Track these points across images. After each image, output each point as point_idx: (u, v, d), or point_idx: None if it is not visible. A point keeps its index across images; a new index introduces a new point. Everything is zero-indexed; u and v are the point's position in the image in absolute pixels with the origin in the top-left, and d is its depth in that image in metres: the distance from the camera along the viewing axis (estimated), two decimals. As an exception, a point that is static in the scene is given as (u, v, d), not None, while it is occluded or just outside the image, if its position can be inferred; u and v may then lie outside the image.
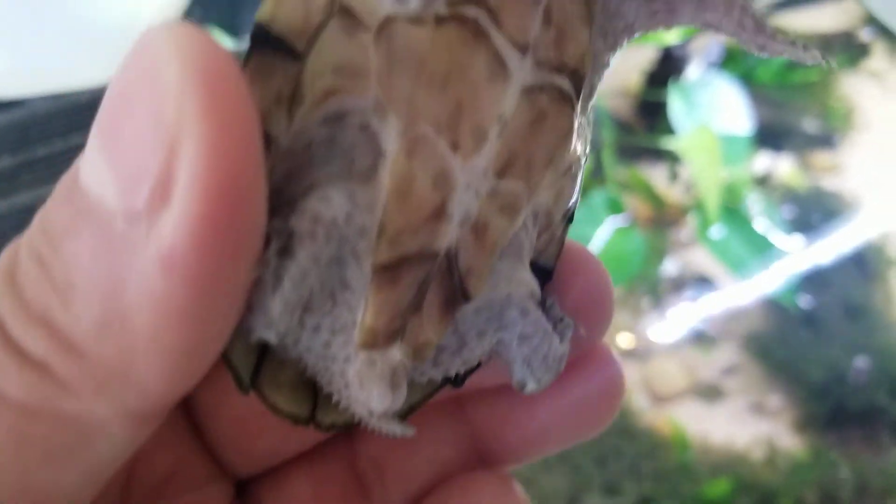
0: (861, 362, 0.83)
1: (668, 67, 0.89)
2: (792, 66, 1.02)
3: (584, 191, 0.84)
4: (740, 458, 0.81)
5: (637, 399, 0.83)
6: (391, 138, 0.17)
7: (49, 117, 0.39)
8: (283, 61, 0.17)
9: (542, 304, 0.20)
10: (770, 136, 1.00)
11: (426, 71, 0.17)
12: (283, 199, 0.18)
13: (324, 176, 0.18)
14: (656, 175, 0.93)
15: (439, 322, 0.19)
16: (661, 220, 0.89)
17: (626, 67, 1.02)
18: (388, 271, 0.18)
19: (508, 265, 0.20)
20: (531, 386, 0.20)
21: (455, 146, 0.18)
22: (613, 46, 0.20)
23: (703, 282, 0.88)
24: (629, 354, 0.85)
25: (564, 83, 0.18)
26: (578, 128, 0.20)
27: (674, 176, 0.86)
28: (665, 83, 0.85)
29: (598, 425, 0.24)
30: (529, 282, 0.20)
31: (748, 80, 0.98)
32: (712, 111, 0.83)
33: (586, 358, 0.22)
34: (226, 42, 0.65)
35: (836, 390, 0.81)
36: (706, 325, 0.87)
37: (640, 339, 0.85)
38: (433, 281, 0.18)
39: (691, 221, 0.85)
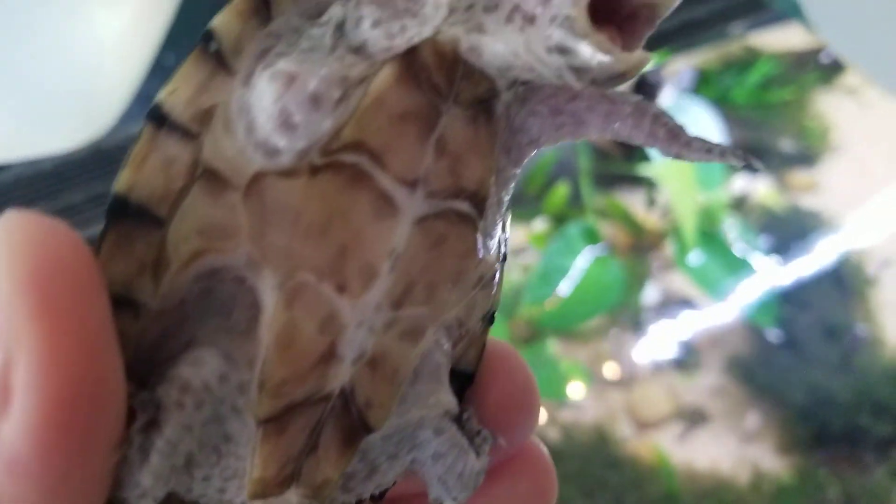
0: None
1: (642, 94, 0.89)
2: (767, 86, 1.02)
3: (562, 221, 0.85)
4: (726, 483, 0.81)
5: (621, 427, 0.83)
6: (268, 292, 0.17)
7: (11, 187, 0.39)
8: (145, 229, 0.17)
9: (459, 418, 0.20)
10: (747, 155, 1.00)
11: (302, 222, 0.17)
12: (160, 359, 0.17)
13: (200, 331, 0.17)
14: (634, 201, 0.93)
15: (338, 459, 0.18)
16: (641, 246, 0.89)
17: (601, 93, 1.02)
18: (274, 422, 0.17)
19: (426, 388, 0.19)
20: (448, 503, 0.20)
21: (341, 288, 0.17)
22: (519, 161, 0.20)
23: (684, 306, 0.88)
24: (612, 382, 0.85)
25: (463, 206, 0.18)
26: (489, 241, 0.19)
27: (651, 202, 0.86)
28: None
29: None
30: (447, 402, 0.20)
31: (723, 102, 0.99)
32: (686, 136, 0.83)
33: (515, 459, 0.21)
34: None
35: (820, 411, 0.81)
36: (688, 349, 0.87)
37: (624, 366, 0.85)
38: (327, 421, 0.18)
39: (670, 246, 0.85)
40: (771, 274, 0.85)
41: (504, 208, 0.20)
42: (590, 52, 0.16)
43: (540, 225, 0.86)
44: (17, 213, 0.14)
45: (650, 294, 0.88)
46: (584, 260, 0.78)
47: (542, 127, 0.20)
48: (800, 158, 1.02)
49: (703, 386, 0.86)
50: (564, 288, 0.78)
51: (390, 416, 0.19)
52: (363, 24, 0.17)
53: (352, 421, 0.18)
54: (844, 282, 0.91)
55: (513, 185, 0.20)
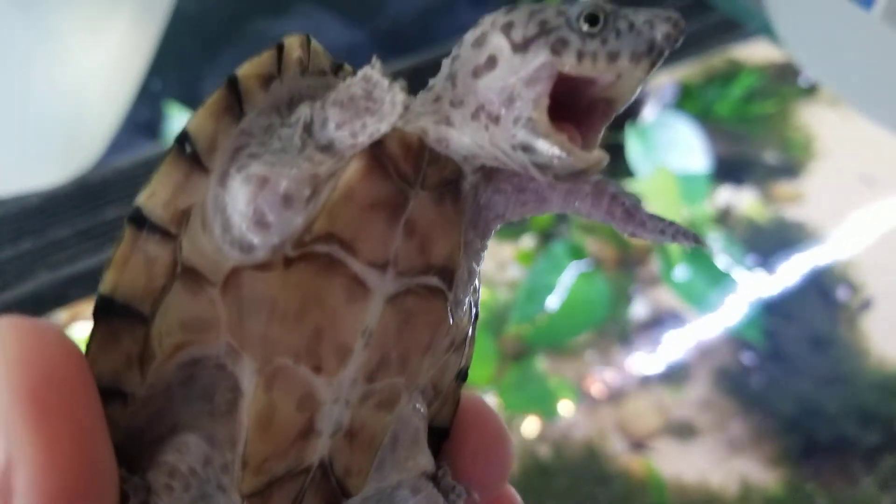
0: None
1: (625, 110, 0.90)
2: (749, 99, 1.03)
3: (548, 238, 0.85)
4: (715, 497, 0.81)
5: (612, 443, 0.83)
6: (247, 376, 0.18)
7: (-3, 223, 0.40)
8: (130, 325, 0.18)
9: (435, 475, 0.21)
10: (731, 170, 1.01)
11: (278, 310, 0.18)
12: (149, 440, 0.18)
13: (185, 415, 0.18)
14: (620, 216, 0.94)
15: None
16: (627, 261, 0.90)
17: (586, 109, 1.03)
18: (258, 496, 0.18)
19: (404, 452, 0.20)
20: None
21: (317, 369, 0.18)
22: (486, 234, 0.21)
23: (671, 320, 0.88)
24: (603, 398, 0.85)
25: (433, 280, 0.19)
26: (459, 309, 0.20)
27: (637, 216, 0.87)
28: (623, 126, 0.87)
29: None
30: (424, 464, 0.20)
31: (706, 116, 1.00)
32: (669, 151, 0.84)
33: None
34: (187, 116, 0.66)
35: (807, 422, 0.82)
36: (677, 363, 0.88)
37: (613, 381, 0.86)
38: (308, 489, 0.19)
39: (656, 261, 0.86)
40: (756, 286, 0.86)
41: (475, 277, 0.21)
42: (551, 152, 0.17)
43: (528, 242, 0.87)
44: (11, 322, 0.15)
45: (637, 309, 0.89)
46: (570, 276, 0.79)
47: (508, 204, 0.21)
48: (784, 170, 1.03)
49: (692, 399, 0.87)
50: (552, 304, 0.78)
51: (368, 481, 0.19)
52: (329, 125, 0.18)
53: (331, 489, 0.19)
54: (829, 293, 0.91)
55: (483, 254, 0.21)
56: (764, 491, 0.81)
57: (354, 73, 0.20)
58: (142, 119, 0.67)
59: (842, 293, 0.92)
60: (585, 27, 0.17)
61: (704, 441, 0.85)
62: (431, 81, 0.20)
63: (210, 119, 0.18)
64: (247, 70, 0.19)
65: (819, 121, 1.08)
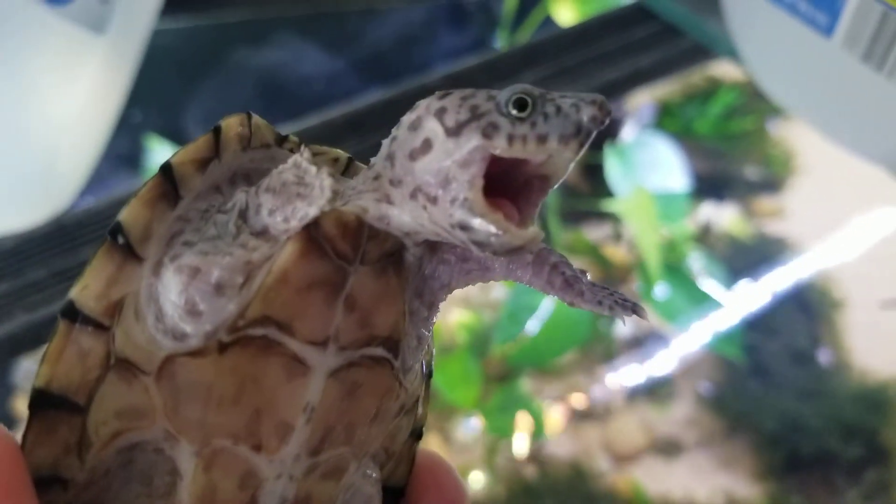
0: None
1: (605, 129, 0.91)
2: (729, 117, 1.05)
3: (530, 259, 0.86)
4: (701, 513, 0.82)
5: (598, 462, 0.84)
6: (186, 459, 0.18)
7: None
8: (66, 416, 0.18)
9: None
10: (712, 187, 1.02)
11: (214, 395, 0.18)
12: None
13: (125, 498, 0.18)
14: (602, 236, 0.95)
15: None
16: (609, 280, 0.90)
17: (567, 130, 1.05)
18: None
19: None
20: None
21: (257, 448, 0.18)
22: (433, 304, 0.21)
23: (656, 337, 0.89)
24: (587, 416, 0.86)
25: (378, 351, 0.19)
26: (408, 374, 0.20)
27: (618, 237, 0.88)
28: (602, 146, 0.88)
29: None
30: None
31: (686, 135, 1.01)
32: (649, 170, 0.86)
33: None
34: (168, 148, 0.66)
35: (791, 437, 0.83)
36: (661, 380, 0.88)
37: (598, 400, 0.86)
38: None
39: (637, 280, 0.87)
40: (737, 302, 0.87)
41: (425, 342, 0.21)
42: (488, 231, 0.17)
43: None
44: None
45: (621, 328, 0.89)
46: (552, 298, 0.79)
47: (452, 273, 0.21)
48: (764, 186, 1.04)
49: (677, 417, 0.88)
50: (534, 325, 0.79)
51: None
52: (262, 212, 0.18)
53: None
54: (811, 307, 0.92)
55: (433, 321, 0.21)
56: (749, 506, 0.82)
57: (300, 143, 0.21)
58: (123, 151, 0.68)
59: (822, 308, 0.93)
60: (514, 112, 0.17)
61: (689, 457, 0.85)
62: (372, 160, 0.20)
63: (144, 209, 0.18)
64: (182, 156, 0.19)
65: (798, 136, 1.09)
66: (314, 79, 0.81)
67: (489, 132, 0.17)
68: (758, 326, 0.88)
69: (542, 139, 0.18)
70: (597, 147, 0.94)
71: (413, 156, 0.18)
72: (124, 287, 0.18)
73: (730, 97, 1.04)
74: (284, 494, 0.19)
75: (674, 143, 0.94)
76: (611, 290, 0.22)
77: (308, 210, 0.18)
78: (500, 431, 0.79)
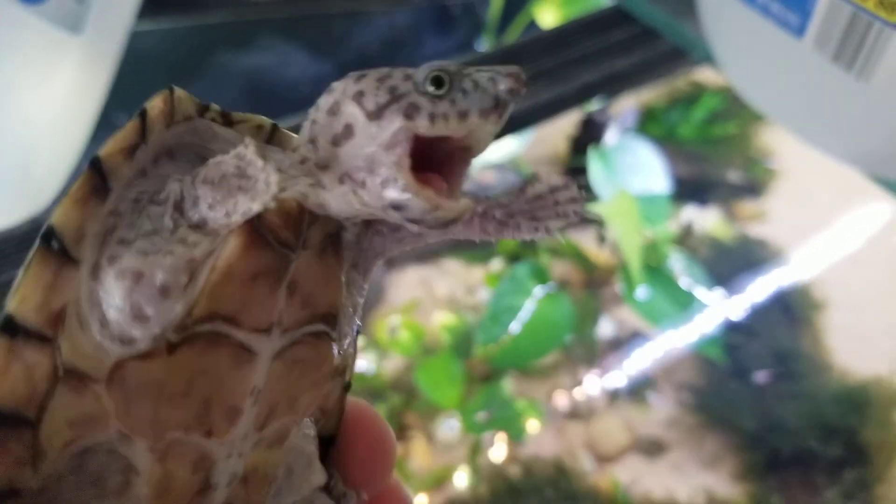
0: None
1: (589, 133, 0.92)
2: (712, 121, 1.06)
3: (513, 262, 0.87)
4: (682, 513, 0.82)
5: (581, 462, 0.84)
6: (140, 455, 0.18)
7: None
8: (17, 432, 0.18)
9: (327, 486, 0.22)
10: (694, 190, 1.03)
11: (165, 392, 0.18)
12: None
13: (78, 501, 0.18)
14: (585, 238, 0.96)
15: None
16: (593, 282, 0.91)
17: (553, 135, 1.06)
18: None
19: (299, 477, 0.21)
20: None
21: (209, 433, 0.18)
22: (367, 272, 0.22)
23: (638, 339, 0.90)
24: (572, 416, 0.87)
25: (318, 327, 0.20)
26: (343, 342, 0.21)
27: (602, 239, 0.89)
28: (586, 150, 0.89)
29: None
30: (318, 480, 0.21)
31: (670, 139, 1.02)
32: (632, 174, 0.86)
33: (379, 499, 0.23)
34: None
35: (771, 437, 0.83)
36: (643, 381, 0.89)
37: (580, 400, 0.87)
38: None
39: (620, 282, 0.88)
40: (719, 304, 0.88)
41: (359, 308, 0.22)
42: (422, 208, 0.17)
43: (497, 266, 0.89)
44: None
45: (605, 327, 0.90)
46: (535, 298, 0.80)
47: (385, 242, 0.21)
48: (747, 189, 1.06)
49: (659, 417, 0.88)
50: (517, 326, 0.80)
51: None
52: (200, 205, 0.18)
53: None
54: (792, 309, 0.93)
55: (366, 287, 0.22)
56: (730, 506, 0.82)
57: (222, 113, 0.21)
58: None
59: (804, 310, 0.94)
60: (433, 89, 0.17)
61: (671, 457, 0.86)
62: (295, 139, 0.20)
63: (75, 208, 0.18)
64: (110, 147, 0.18)
65: (780, 141, 1.10)
66: (299, 81, 0.81)
67: (410, 113, 0.17)
68: (739, 328, 0.89)
69: (462, 115, 0.18)
70: (581, 151, 0.95)
71: (336, 142, 0.18)
72: (64, 295, 0.18)
73: (713, 102, 1.05)
74: (234, 470, 0.19)
75: (657, 148, 0.95)
76: (553, 199, 0.22)
77: (251, 205, 0.17)
78: (483, 431, 0.80)
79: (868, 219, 1.04)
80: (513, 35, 0.84)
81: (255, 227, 0.18)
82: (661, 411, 0.90)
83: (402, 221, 0.18)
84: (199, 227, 0.18)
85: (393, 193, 0.17)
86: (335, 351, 0.20)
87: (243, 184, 0.17)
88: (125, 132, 0.18)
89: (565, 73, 0.53)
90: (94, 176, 0.18)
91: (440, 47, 0.90)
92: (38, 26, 0.37)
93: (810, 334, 0.92)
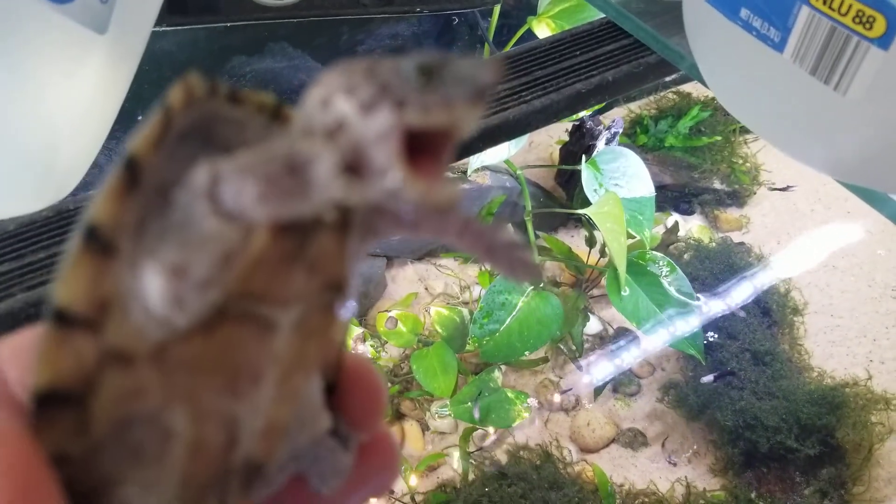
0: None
1: (580, 140, 0.96)
2: (698, 131, 1.09)
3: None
4: (663, 503, 0.86)
5: (566, 452, 0.88)
6: (177, 421, 0.20)
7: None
8: (68, 409, 0.19)
9: (333, 428, 0.24)
10: (681, 197, 1.07)
11: (201, 365, 0.19)
12: (94, 496, 0.20)
13: (121, 468, 0.20)
14: (576, 241, 1.00)
15: (242, 499, 0.22)
16: (582, 281, 0.95)
17: (546, 141, 1.10)
18: (192, 501, 0.21)
19: (309, 424, 0.23)
20: (325, 491, 0.23)
21: (236, 396, 0.20)
22: (367, 244, 0.23)
23: (623, 336, 0.94)
24: (558, 409, 0.90)
25: (329, 296, 0.21)
26: (349, 302, 0.22)
27: (592, 241, 0.92)
28: (579, 158, 0.92)
29: (381, 489, 0.27)
30: (325, 424, 0.23)
31: (657, 148, 1.06)
32: (619, 180, 0.90)
33: (371, 444, 0.25)
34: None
35: (749, 434, 0.86)
36: (627, 377, 0.93)
37: (567, 394, 0.91)
38: (234, 479, 0.21)
39: (606, 281, 0.91)
40: (701, 306, 0.91)
41: (357, 273, 0.23)
42: (413, 194, 0.18)
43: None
44: None
45: (591, 326, 0.94)
46: (525, 296, 0.84)
47: (385, 221, 0.22)
48: (730, 196, 1.09)
49: (641, 412, 0.92)
50: (508, 322, 0.83)
51: (280, 456, 0.23)
52: (242, 199, 0.18)
53: (250, 472, 0.22)
54: (771, 312, 0.97)
55: (364, 255, 0.23)
56: (708, 498, 0.86)
57: (229, 93, 0.21)
58: (124, 151, 0.71)
59: (783, 312, 0.97)
60: (419, 82, 0.18)
61: (652, 450, 0.90)
62: (291, 128, 0.20)
63: (110, 202, 0.18)
64: (138, 142, 0.19)
65: (763, 151, 1.14)
66: (307, 85, 0.85)
67: (400, 105, 0.18)
68: (720, 328, 0.93)
69: (450, 104, 0.18)
70: (572, 158, 0.99)
71: (329, 136, 0.19)
72: (107, 283, 0.19)
73: (700, 114, 1.09)
74: (255, 426, 0.21)
75: (645, 156, 0.99)
76: (519, 253, 0.22)
77: (304, 208, 0.18)
78: (474, 420, 0.83)
79: (847, 227, 1.08)
80: (511, 46, 0.88)
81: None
82: (643, 406, 0.93)
83: (396, 206, 0.19)
84: (236, 217, 0.18)
85: (387, 182, 0.18)
86: (343, 314, 0.22)
87: (296, 187, 0.17)
88: (151, 127, 0.19)
89: (557, 82, 0.56)
90: (125, 170, 0.19)
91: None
92: (64, 25, 0.38)
93: (789, 336, 0.96)
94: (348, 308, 0.22)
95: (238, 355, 0.20)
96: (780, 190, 1.12)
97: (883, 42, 0.37)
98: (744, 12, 0.45)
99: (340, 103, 0.18)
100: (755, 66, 0.45)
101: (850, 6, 0.38)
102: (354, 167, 0.18)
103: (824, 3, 0.39)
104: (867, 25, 0.37)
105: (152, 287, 0.18)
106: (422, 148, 0.18)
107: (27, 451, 0.18)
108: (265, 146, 0.18)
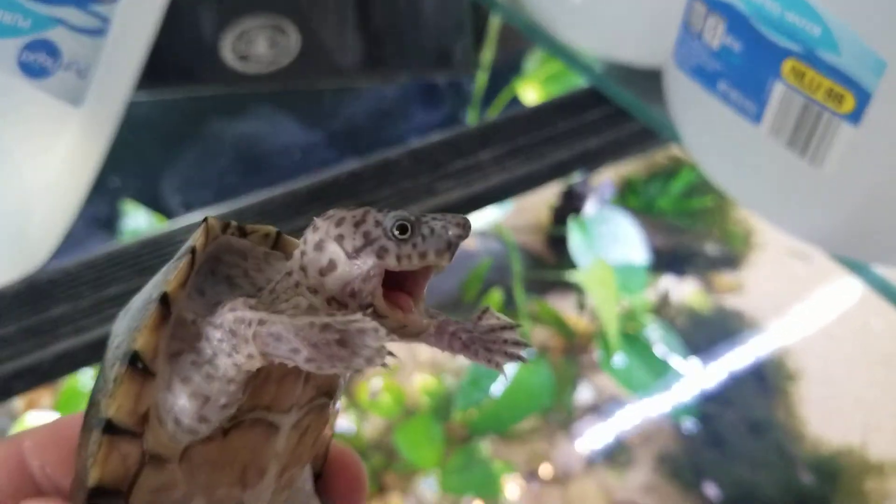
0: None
1: (570, 204, 0.95)
2: (690, 194, 1.09)
3: (493, 327, 0.89)
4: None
5: (556, 526, 0.85)
6: None
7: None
8: (114, 500, 0.23)
9: None
10: (672, 261, 1.06)
11: (218, 463, 0.24)
12: None
13: None
14: (566, 306, 0.98)
15: None
16: (572, 348, 0.93)
17: (536, 204, 1.09)
18: None
19: (302, 503, 0.27)
20: None
21: (244, 487, 0.24)
22: None
23: (616, 404, 0.92)
24: (549, 481, 0.87)
25: (322, 400, 0.25)
26: (337, 402, 0.26)
27: (581, 306, 0.91)
28: (566, 220, 0.91)
29: None
30: None
31: (649, 211, 1.05)
32: (610, 244, 0.89)
33: None
34: (143, 214, 0.69)
35: (745, 505, 0.84)
36: (620, 447, 0.90)
37: (558, 465, 0.88)
38: None
39: (598, 349, 0.90)
40: (695, 373, 0.90)
41: (346, 379, 0.27)
42: (392, 324, 0.22)
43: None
44: None
45: (583, 393, 0.92)
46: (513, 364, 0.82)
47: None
48: (724, 261, 1.08)
49: (636, 483, 0.89)
50: (496, 391, 0.81)
51: None
52: (297, 357, 0.21)
53: None
54: (766, 378, 0.95)
55: None
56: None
57: (238, 227, 0.25)
58: (100, 215, 0.70)
59: (778, 380, 0.95)
60: (398, 234, 0.22)
61: (647, 525, 0.87)
62: (287, 264, 0.24)
63: (150, 335, 0.23)
64: (171, 284, 0.23)
65: (756, 216, 1.13)
66: (290, 149, 0.84)
67: (381, 254, 0.22)
68: (715, 397, 0.91)
69: (422, 255, 0.22)
70: (561, 221, 0.98)
71: (322, 272, 0.23)
72: (147, 401, 0.23)
73: (690, 176, 1.09)
74: None
75: (636, 219, 0.98)
76: (504, 338, 0.25)
77: (343, 369, 0.21)
78: (460, 492, 0.80)
79: (841, 294, 1.06)
80: (496, 110, 0.88)
81: None
82: (637, 477, 0.91)
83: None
84: (268, 357, 0.22)
85: (370, 314, 0.22)
86: (332, 412, 0.26)
87: (344, 354, 0.21)
88: (181, 269, 0.23)
89: (538, 150, 0.55)
90: (161, 307, 0.23)
91: (427, 120, 0.93)
92: (40, 99, 0.40)
93: (784, 404, 0.94)
94: (337, 407, 0.27)
95: (248, 453, 0.24)
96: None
97: (853, 118, 0.38)
98: (721, 85, 0.45)
99: (332, 248, 0.22)
100: (734, 138, 0.45)
101: (821, 83, 0.38)
102: (340, 299, 0.22)
103: (797, 79, 0.39)
104: (838, 102, 0.38)
105: (184, 407, 0.23)
106: (401, 282, 0.23)
107: None
108: (320, 315, 0.22)
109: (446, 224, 0.22)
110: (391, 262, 0.22)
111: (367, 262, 0.22)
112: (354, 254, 0.22)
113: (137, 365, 0.23)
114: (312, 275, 0.23)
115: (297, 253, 0.24)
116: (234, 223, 0.25)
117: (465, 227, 0.22)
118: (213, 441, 0.23)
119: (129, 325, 0.24)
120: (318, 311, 0.23)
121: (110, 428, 0.23)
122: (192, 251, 0.24)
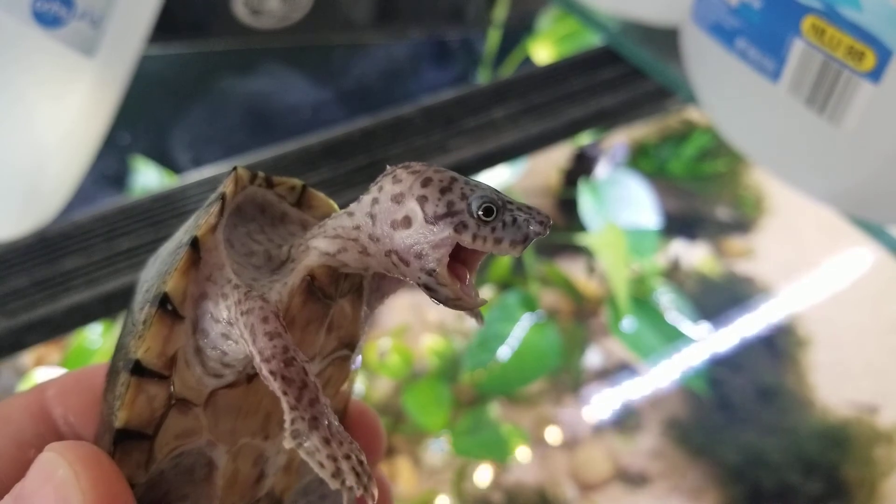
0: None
1: (581, 166, 0.94)
2: (702, 158, 1.08)
3: (503, 289, 0.88)
4: (662, 543, 0.83)
5: (564, 490, 0.85)
6: (220, 456, 0.24)
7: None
8: (139, 444, 0.23)
9: None
10: (683, 226, 1.05)
11: (242, 410, 0.24)
12: None
13: (175, 487, 0.24)
14: (575, 269, 0.98)
15: None
16: (581, 312, 0.93)
17: (547, 167, 1.08)
18: None
19: None
20: None
21: (266, 437, 0.25)
22: (374, 307, 0.27)
23: (625, 369, 0.91)
24: (556, 445, 0.88)
25: (344, 352, 0.25)
26: (358, 356, 0.27)
27: (591, 270, 0.90)
28: (576, 182, 0.91)
29: None
30: None
31: (660, 175, 1.04)
32: (621, 207, 0.88)
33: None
34: (153, 170, 0.69)
35: (753, 471, 0.84)
36: (629, 411, 0.90)
37: (566, 429, 0.88)
38: None
39: (607, 313, 0.89)
40: (705, 339, 0.89)
41: (367, 333, 0.27)
42: (448, 295, 0.22)
43: (486, 293, 0.90)
44: (79, 454, 0.22)
45: (592, 357, 0.92)
46: (523, 326, 0.82)
47: (391, 284, 0.27)
48: (735, 226, 1.08)
49: (643, 448, 0.89)
50: (504, 353, 0.81)
51: (294, 491, 0.27)
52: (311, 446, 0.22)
53: (274, 500, 0.26)
54: (776, 345, 0.95)
55: (372, 316, 0.27)
56: (710, 538, 0.83)
57: (266, 178, 0.25)
58: (110, 172, 0.70)
59: (788, 346, 0.95)
60: (481, 214, 0.21)
61: (654, 489, 0.87)
62: (352, 207, 0.24)
63: (181, 277, 0.23)
64: (202, 228, 0.23)
65: (769, 179, 1.12)
66: (299, 107, 0.83)
67: (460, 229, 0.22)
68: (724, 363, 0.90)
69: (498, 241, 0.22)
70: (572, 184, 0.97)
71: (394, 226, 0.22)
72: (175, 344, 0.23)
73: (703, 140, 1.08)
74: (279, 463, 0.26)
75: (647, 183, 0.97)
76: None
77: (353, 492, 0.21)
78: (468, 455, 0.81)
79: (853, 259, 1.05)
80: (508, 70, 0.87)
81: (310, 287, 0.23)
82: (645, 442, 0.91)
83: (428, 296, 0.23)
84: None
85: (430, 279, 0.22)
86: (354, 366, 0.27)
87: (341, 477, 0.21)
88: (212, 214, 0.23)
89: (553, 108, 0.55)
90: (192, 251, 0.23)
91: (438, 79, 0.92)
92: (53, 48, 0.39)
93: (794, 371, 0.93)
94: (357, 362, 0.27)
95: (270, 401, 0.24)
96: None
97: (873, 76, 0.37)
98: (740, 43, 0.44)
99: (412, 205, 0.22)
100: (752, 96, 0.45)
101: (841, 41, 0.38)
102: (402, 256, 0.22)
103: (816, 36, 0.39)
104: (858, 59, 0.37)
105: (210, 352, 0.23)
106: (457, 253, 0.22)
107: (111, 470, 0.22)
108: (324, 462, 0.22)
109: (529, 217, 0.22)
110: (466, 240, 0.22)
111: (443, 232, 0.22)
112: (433, 219, 0.22)
113: (167, 307, 0.23)
114: (381, 225, 0.23)
115: (367, 198, 0.23)
116: (261, 174, 0.25)
117: (546, 226, 0.22)
118: (237, 387, 0.24)
119: (158, 270, 0.24)
120: (370, 257, 0.23)
121: (139, 370, 0.23)
122: (223, 198, 0.24)
